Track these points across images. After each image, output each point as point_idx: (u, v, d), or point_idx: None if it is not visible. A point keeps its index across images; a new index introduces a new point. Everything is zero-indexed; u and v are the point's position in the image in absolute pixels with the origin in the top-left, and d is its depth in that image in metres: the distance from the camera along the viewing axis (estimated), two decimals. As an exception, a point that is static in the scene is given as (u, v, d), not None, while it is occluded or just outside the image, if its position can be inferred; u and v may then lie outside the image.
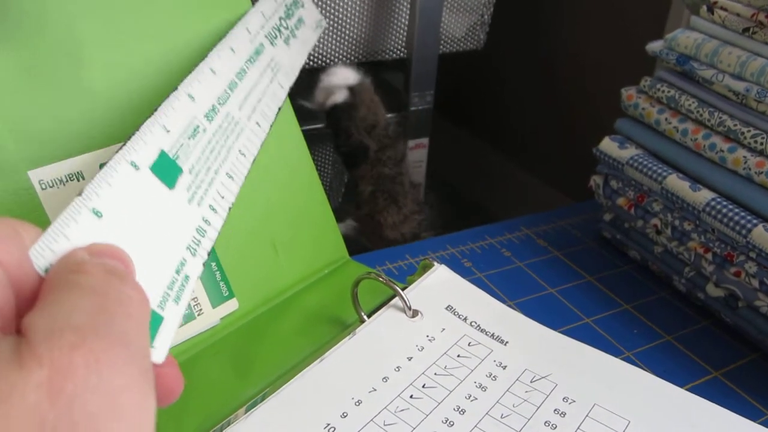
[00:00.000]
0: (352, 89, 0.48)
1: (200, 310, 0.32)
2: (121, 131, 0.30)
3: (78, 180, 0.29)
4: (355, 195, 0.51)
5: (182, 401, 0.29)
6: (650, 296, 0.42)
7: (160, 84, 0.32)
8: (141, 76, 0.31)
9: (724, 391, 0.34)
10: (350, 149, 0.49)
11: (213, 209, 0.26)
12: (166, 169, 0.24)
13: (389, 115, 0.59)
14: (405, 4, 0.62)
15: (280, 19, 0.35)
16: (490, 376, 0.30)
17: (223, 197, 0.26)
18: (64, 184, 0.28)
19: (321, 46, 0.60)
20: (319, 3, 0.58)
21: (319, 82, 0.49)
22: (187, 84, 0.27)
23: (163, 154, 0.24)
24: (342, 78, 0.48)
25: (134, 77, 0.31)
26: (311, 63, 0.61)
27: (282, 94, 0.32)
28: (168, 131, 0.24)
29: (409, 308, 0.32)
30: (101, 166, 0.29)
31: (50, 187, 0.28)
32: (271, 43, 0.33)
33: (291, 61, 0.34)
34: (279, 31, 0.35)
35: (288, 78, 0.34)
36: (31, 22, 0.28)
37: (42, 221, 0.27)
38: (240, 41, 0.31)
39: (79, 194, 0.20)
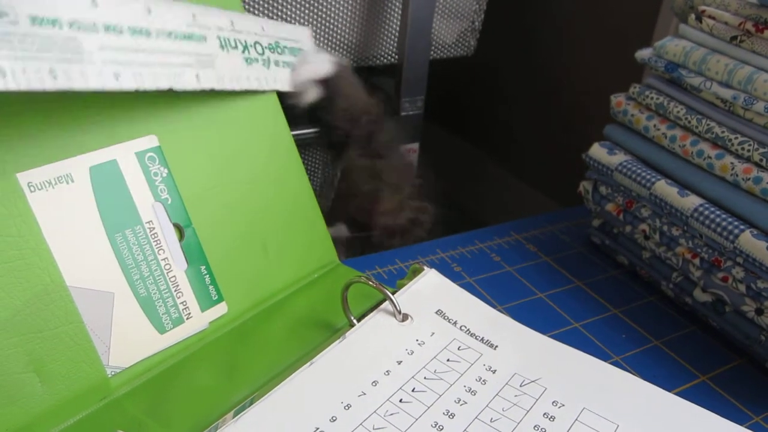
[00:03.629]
0: (326, 81, 0.47)
1: (189, 313, 0.32)
2: (110, 133, 0.30)
3: (67, 183, 0.28)
4: (346, 188, 0.49)
5: (171, 405, 0.29)
6: (638, 301, 0.42)
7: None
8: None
9: (712, 396, 0.34)
10: (338, 143, 0.48)
11: None
12: None
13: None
14: (396, 9, 0.62)
15: (257, 43, 0.36)
16: (479, 380, 0.30)
17: None
18: (53, 187, 0.28)
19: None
20: (311, 7, 0.58)
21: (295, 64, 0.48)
22: None
23: None
24: (312, 72, 0.46)
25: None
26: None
27: (189, 82, 0.32)
28: None
29: (399, 312, 0.32)
30: (91, 169, 0.29)
31: (39, 189, 0.27)
32: (221, 46, 0.33)
33: (235, 74, 0.35)
34: (245, 47, 0.35)
35: (216, 81, 0.33)
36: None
37: (30, 224, 0.27)
38: (174, 16, 0.31)
39: None
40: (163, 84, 0.30)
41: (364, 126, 0.47)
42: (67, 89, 0.26)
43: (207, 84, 0.33)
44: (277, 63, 0.38)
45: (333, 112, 0.45)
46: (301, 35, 0.41)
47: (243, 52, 0.35)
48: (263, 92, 0.37)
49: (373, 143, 0.47)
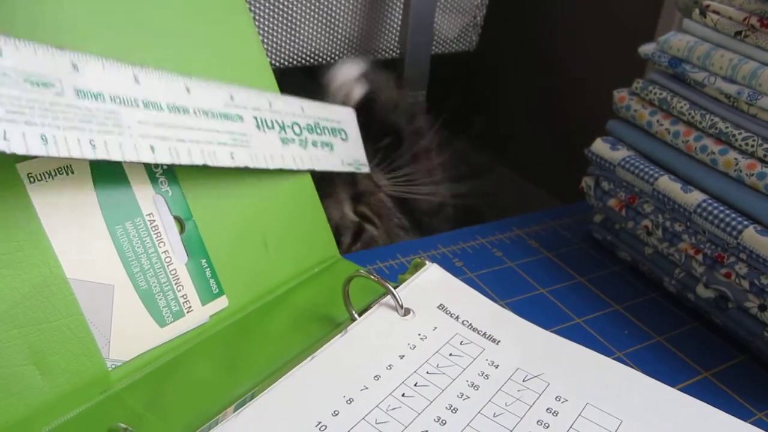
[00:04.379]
0: (363, 80, 0.47)
1: (189, 307, 0.32)
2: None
3: (67, 174, 0.28)
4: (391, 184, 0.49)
5: (171, 399, 0.29)
6: (640, 297, 0.42)
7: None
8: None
9: (714, 392, 0.34)
10: (386, 135, 0.47)
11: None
12: None
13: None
14: (398, 3, 0.61)
15: (295, 124, 0.37)
16: (482, 374, 0.30)
17: None
18: (53, 178, 0.28)
19: (313, 44, 0.60)
20: (313, 0, 0.58)
21: (328, 84, 0.48)
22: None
23: None
24: (349, 74, 0.47)
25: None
26: (303, 61, 0.61)
27: (223, 160, 0.32)
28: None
29: (401, 306, 0.32)
30: (91, 163, 0.29)
31: (39, 180, 0.27)
32: (257, 126, 0.34)
33: (269, 153, 0.35)
34: (282, 127, 0.36)
35: (250, 160, 0.34)
36: (23, 14, 0.27)
37: (30, 215, 0.27)
38: (213, 96, 0.33)
39: None
40: (198, 160, 0.31)
41: (406, 115, 0.48)
42: (104, 159, 0.27)
43: (241, 162, 0.33)
44: (315, 143, 0.38)
45: (377, 108, 0.47)
46: (343, 116, 0.41)
47: (280, 132, 0.36)
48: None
49: (417, 129, 0.48)
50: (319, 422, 0.26)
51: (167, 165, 0.32)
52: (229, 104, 0.33)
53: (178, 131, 0.30)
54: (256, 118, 0.35)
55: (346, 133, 0.41)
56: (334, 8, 0.60)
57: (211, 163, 0.32)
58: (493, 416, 0.27)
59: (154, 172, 0.31)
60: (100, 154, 0.27)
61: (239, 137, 0.33)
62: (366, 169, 0.42)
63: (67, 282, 0.28)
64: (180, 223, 0.32)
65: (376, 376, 0.29)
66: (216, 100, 0.33)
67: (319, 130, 0.38)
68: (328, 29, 0.61)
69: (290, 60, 0.59)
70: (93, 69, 0.28)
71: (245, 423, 0.26)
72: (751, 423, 0.28)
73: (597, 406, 0.28)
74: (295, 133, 0.37)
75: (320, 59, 0.61)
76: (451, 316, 0.33)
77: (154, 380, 0.30)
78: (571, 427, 0.27)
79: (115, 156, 0.27)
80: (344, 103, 0.47)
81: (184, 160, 0.30)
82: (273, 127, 0.35)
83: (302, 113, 0.38)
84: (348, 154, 0.41)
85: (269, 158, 0.35)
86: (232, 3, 0.36)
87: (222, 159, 0.32)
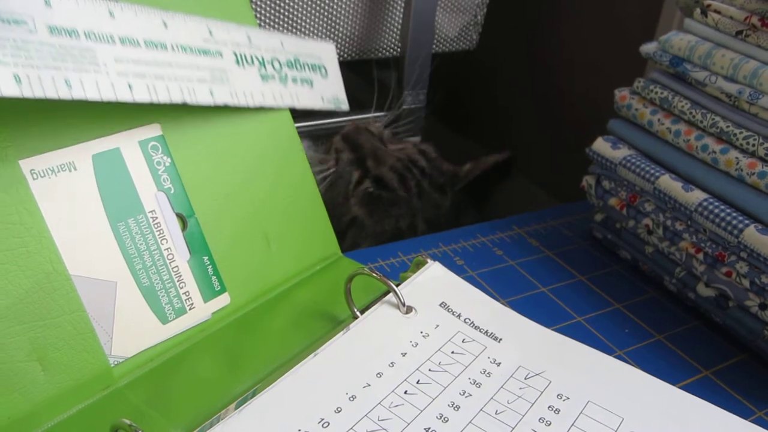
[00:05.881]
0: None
1: (192, 304, 0.32)
2: (113, 121, 0.30)
3: (70, 171, 0.28)
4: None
5: (173, 396, 0.29)
6: (641, 296, 0.42)
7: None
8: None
9: (715, 390, 0.34)
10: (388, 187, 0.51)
11: None
12: None
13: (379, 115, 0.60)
14: (399, 2, 0.62)
15: (274, 59, 0.36)
16: (484, 372, 0.30)
17: None
18: (56, 174, 0.28)
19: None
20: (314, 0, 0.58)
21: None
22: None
23: None
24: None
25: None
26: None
27: (203, 97, 0.32)
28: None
29: (404, 304, 0.32)
30: (93, 157, 0.29)
31: (42, 177, 0.27)
32: (237, 62, 0.34)
33: (250, 90, 0.35)
34: (262, 63, 0.35)
35: (230, 97, 0.34)
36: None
37: (32, 211, 0.27)
38: (191, 30, 0.32)
39: None
40: (177, 98, 0.30)
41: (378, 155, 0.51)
42: (81, 99, 0.26)
43: (221, 99, 0.33)
44: (295, 80, 0.37)
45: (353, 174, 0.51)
46: (323, 52, 0.41)
47: (260, 68, 0.35)
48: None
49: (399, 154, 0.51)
50: (322, 419, 0.26)
51: (168, 163, 0.32)
52: (208, 39, 0.32)
53: (156, 68, 0.30)
54: (235, 53, 0.34)
55: (325, 70, 0.40)
56: (335, 7, 0.60)
57: (190, 100, 0.31)
58: (495, 414, 0.27)
59: (156, 169, 0.31)
60: (77, 94, 0.26)
61: (219, 74, 0.33)
62: (345, 107, 0.42)
63: (70, 278, 0.27)
64: (182, 220, 0.32)
65: (378, 374, 0.29)
66: (194, 35, 0.32)
67: (299, 66, 0.38)
68: (329, 28, 0.61)
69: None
70: (66, 4, 0.26)
71: (247, 420, 0.26)
72: (752, 421, 0.29)
73: (598, 404, 0.28)
74: (275, 69, 0.36)
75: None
76: (453, 314, 0.33)
77: (156, 377, 0.30)
78: (572, 424, 0.27)
79: (92, 95, 0.27)
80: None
81: (163, 98, 0.30)
82: (253, 63, 0.35)
83: (282, 48, 0.37)
84: (328, 91, 0.40)
85: (249, 95, 0.34)
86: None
87: (201, 96, 0.32)
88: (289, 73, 0.37)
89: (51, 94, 0.25)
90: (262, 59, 0.35)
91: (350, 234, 0.52)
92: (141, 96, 0.29)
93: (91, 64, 0.27)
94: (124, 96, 0.28)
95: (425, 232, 0.52)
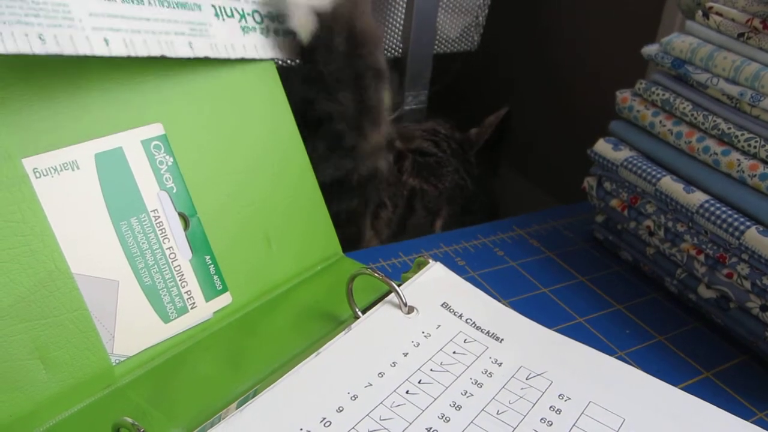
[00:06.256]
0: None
1: (193, 303, 0.32)
2: (116, 120, 0.30)
3: (73, 169, 0.28)
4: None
5: (174, 395, 0.29)
6: (642, 297, 0.42)
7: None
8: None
9: (716, 391, 0.34)
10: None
11: None
12: None
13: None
14: (401, 2, 0.62)
15: (255, 11, 0.36)
16: (485, 372, 0.30)
17: None
18: (59, 173, 0.28)
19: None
20: None
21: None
22: None
23: None
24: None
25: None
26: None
27: (182, 50, 0.32)
28: None
29: (405, 305, 0.32)
30: (96, 156, 0.29)
31: (45, 175, 0.27)
32: (216, 14, 0.34)
33: (230, 42, 0.34)
34: (242, 15, 0.35)
35: (210, 50, 0.33)
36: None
37: (35, 210, 0.27)
38: None
39: None
40: (155, 51, 0.30)
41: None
42: (56, 54, 0.26)
43: (200, 52, 0.33)
44: (277, 32, 0.37)
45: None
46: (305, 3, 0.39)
47: (240, 20, 0.35)
48: (261, 61, 0.37)
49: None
50: (323, 418, 0.26)
51: (171, 162, 0.32)
52: None
53: (132, 22, 0.30)
54: (214, 6, 0.34)
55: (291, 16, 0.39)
56: (337, 7, 0.59)
57: (168, 53, 0.31)
58: (497, 414, 0.27)
59: (159, 168, 0.31)
60: (51, 48, 0.26)
61: (198, 26, 0.33)
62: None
63: (72, 277, 0.28)
64: (184, 219, 0.32)
65: (380, 374, 0.29)
66: None
67: (281, 19, 0.38)
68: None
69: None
70: None
71: (248, 419, 0.26)
72: (752, 422, 0.29)
73: (600, 405, 0.28)
74: (256, 21, 0.36)
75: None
76: (454, 314, 0.33)
77: (157, 376, 0.30)
78: (574, 425, 0.27)
79: (67, 50, 0.26)
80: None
81: (141, 52, 0.29)
82: (233, 16, 0.35)
83: (263, 0, 0.37)
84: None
85: (230, 48, 0.34)
86: None
87: (180, 49, 0.31)
88: (271, 25, 0.37)
89: (24, 49, 0.25)
90: (242, 12, 0.35)
91: (418, 205, 0.57)
92: (118, 50, 0.28)
93: (65, 19, 0.27)
94: (101, 50, 0.28)
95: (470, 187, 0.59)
